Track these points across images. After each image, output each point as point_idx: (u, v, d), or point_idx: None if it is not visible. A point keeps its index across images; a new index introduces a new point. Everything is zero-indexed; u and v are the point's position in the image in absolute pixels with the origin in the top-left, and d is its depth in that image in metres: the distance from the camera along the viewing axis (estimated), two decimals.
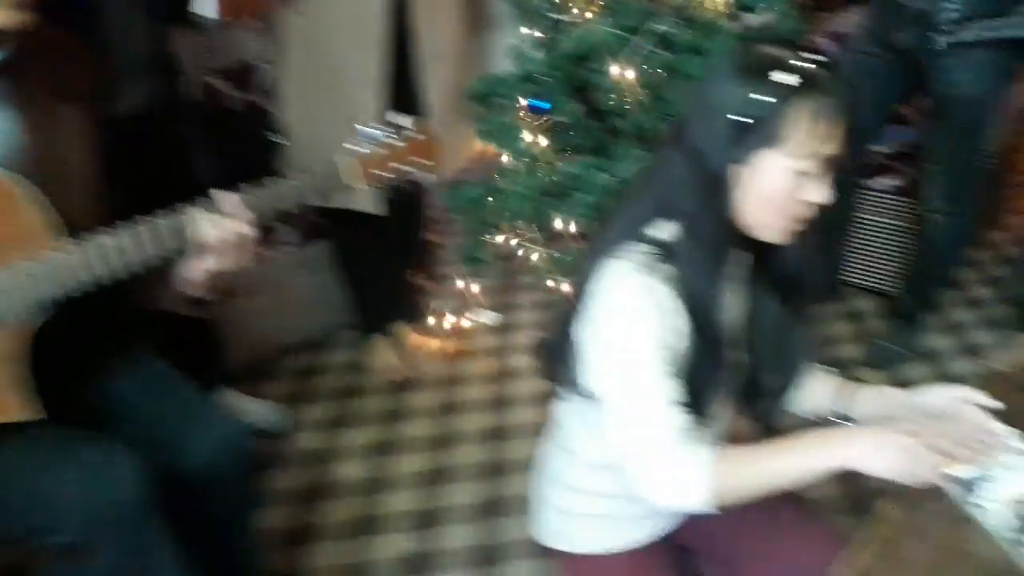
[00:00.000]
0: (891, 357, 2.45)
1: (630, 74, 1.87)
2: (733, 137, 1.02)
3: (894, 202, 2.65)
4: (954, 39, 1.93)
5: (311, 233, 2.52)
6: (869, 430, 1.02)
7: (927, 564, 1.00)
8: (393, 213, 2.35)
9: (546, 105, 1.94)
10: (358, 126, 1.39)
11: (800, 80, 1.00)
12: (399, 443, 2.24)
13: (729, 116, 1.02)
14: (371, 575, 1.85)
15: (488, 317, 2.70)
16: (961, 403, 1.11)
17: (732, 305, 1.15)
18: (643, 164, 1.94)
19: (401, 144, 1.39)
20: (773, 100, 1.00)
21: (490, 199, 2.05)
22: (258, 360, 2.52)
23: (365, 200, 2.06)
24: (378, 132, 1.38)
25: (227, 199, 1.25)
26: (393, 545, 1.92)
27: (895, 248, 2.68)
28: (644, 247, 1.08)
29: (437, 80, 2.14)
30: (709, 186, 1.05)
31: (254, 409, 2.30)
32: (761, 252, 1.14)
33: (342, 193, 1.41)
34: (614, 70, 1.90)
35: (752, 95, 1.01)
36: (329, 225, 2.38)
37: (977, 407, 1.10)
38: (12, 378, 1.18)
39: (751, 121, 1.01)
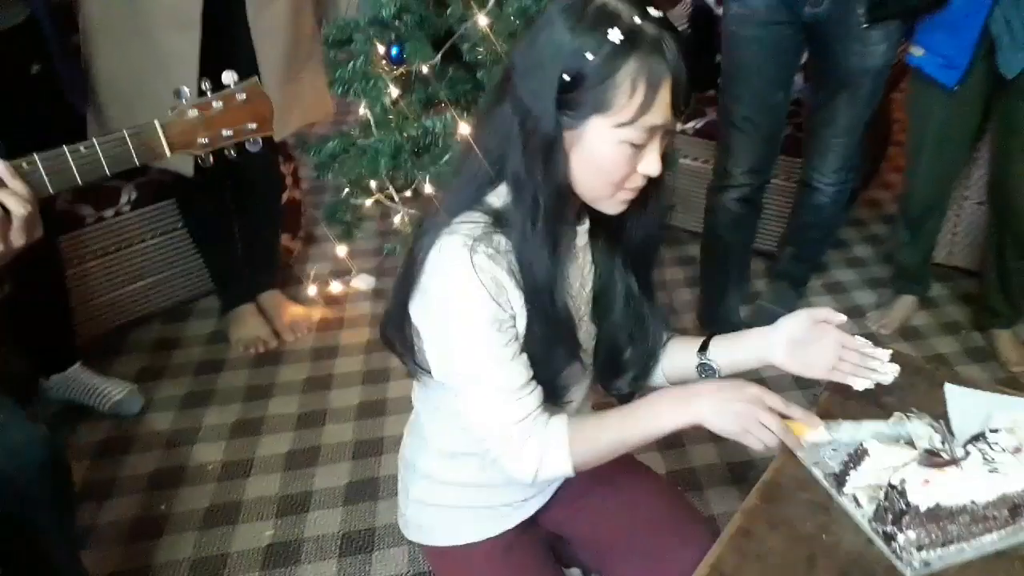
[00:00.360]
0: (774, 318, 2.43)
1: (484, 21, 1.74)
2: (561, 97, 0.91)
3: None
4: (880, 13, 1.88)
5: (156, 192, 2.29)
6: (714, 386, 1.00)
7: (785, 556, 0.94)
8: (247, 172, 2.18)
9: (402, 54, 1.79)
10: (181, 87, 1.21)
11: (635, 40, 0.89)
12: (263, 422, 2.07)
13: (558, 72, 0.90)
14: (228, 568, 1.70)
15: (361, 282, 2.55)
16: (818, 325, 1.08)
17: (578, 276, 1.07)
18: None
19: (228, 108, 1.22)
20: (603, 59, 0.89)
21: (350, 156, 1.90)
22: (107, 332, 2.31)
23: (178, 161, 1.88)
24: (200, 94, 1.21)
25: None
26: (253, 534, 1.76)
27: (776, 209, 2.66)
28: (478, 215, 0.98)
29: (270, 23, 1.95)
30: (537, 148, 0.94)
31: (103, 387, 2.09)
32: (604, 221, 1.04)
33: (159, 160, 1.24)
34: (480, 19, 1.77)
35: (582, 51, 0.90)
36: (173, 183, 2.17)
37: (834, 325, 1.07)
38: None
39: (579, 80, 0.90)
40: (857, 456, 1.02)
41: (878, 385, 1.09)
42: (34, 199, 1.09)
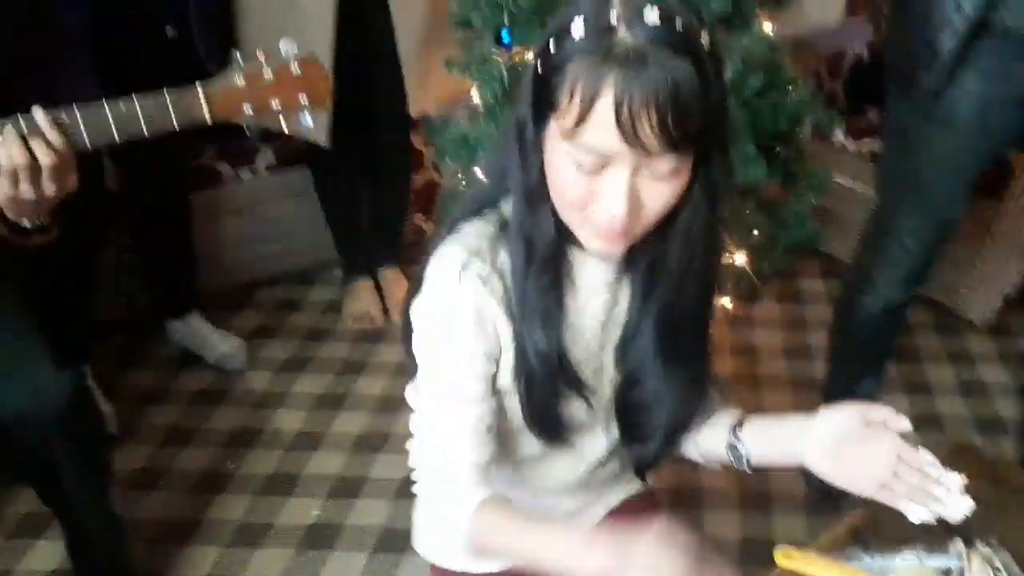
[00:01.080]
0: None
1: None
2: (534, 91, 0.80)
3: None
4: None
5: (291, 158, 2.36)
6: (651, 550, 0.74)
7: None
8: (380, 145, 2.19)
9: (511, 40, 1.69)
10: (235, 51, 1.19)
11: (600, 42, 0.75)
12: (345, 399, 2.09)
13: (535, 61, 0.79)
14: (269, 539, 1.73)
15: None
16: (871, 427, 0.88)
17: (597, 313, 0.95)
18: None
19: (280, 79, 1.19)
20: (560, 49, 0.77)
21: (455, 143, 1.83)
22: (234, 288, 2.42)
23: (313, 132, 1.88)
24: (253, 64, 1.18)
25: (37, 113, 1.08)
26: (300, 511, 1.78)
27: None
28: (491, 222, 0.90)
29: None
30: (522, 162, 0.84)
31: (213, 339, 2.20)
32: (639, 265, 0.92)
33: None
34: None
35: (549, 36, 0.78)
36: (309, 150, 2.21)
37: (895, 433, 0.87)
38: None
39: (543, 69, 0.78)
40: None
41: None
42: (68, 150, 1.10)
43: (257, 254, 2.41)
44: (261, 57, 1.17)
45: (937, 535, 0.91)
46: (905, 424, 0.88)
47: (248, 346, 2.22)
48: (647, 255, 0.91)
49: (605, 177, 0.79)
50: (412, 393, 0.97)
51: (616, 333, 0.98)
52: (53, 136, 1.08)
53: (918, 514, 0.86)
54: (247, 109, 1.17)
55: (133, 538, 1.68)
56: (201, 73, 1.56)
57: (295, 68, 1.18)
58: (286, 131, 1.24)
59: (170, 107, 1.14)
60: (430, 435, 0.91)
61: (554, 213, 0.85)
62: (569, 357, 0.94)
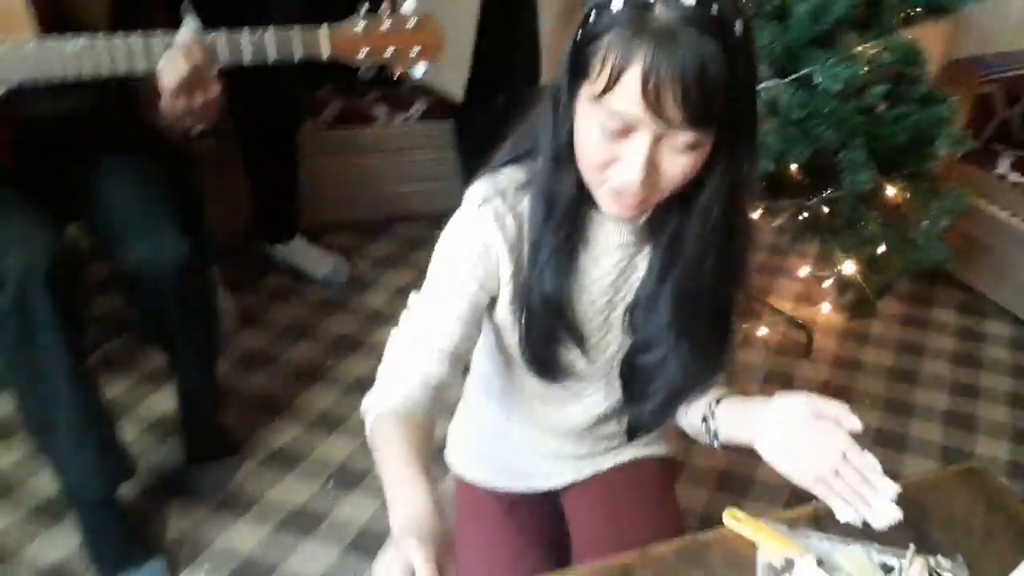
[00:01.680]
0: None
1: None
2: (572, 59, 0.86)
3: None
4: None
5: (441, 111, 2.55)
6: (416, 511, 0.77)
7: None
8: (511, 110, 2.32)
9: None
10: (363, 2, 1.38)
11: (635, 14, 0.80)
12: None
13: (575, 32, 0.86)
14: (341, 428, 1.93)
15: None
16: (823, 421, 0.91)
17: (606, 272, 1.01)
18: None
19: (396, 29, 1.36)
20: (598, 20, 0.82)
21: None
22: (374, 218, 2.66)
23: (447, 80, 2.04)
24: (377, 13, 1.36)
25: (182, 33, 1.32)
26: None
27: None
28: (524, 170, 0.98)
29: None
30: (553, 123, 0.90)
31: (316, 257, 2.45)
32: (664, 239, 0.97)
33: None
34: None
35: (590, 8, 0.84)
36: (452, 106, 2.39)
37: (846, 432, 0.89)
38: None
39: (581, 39, 0.84)
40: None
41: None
42: (207, 65, 1.34)
43: (398, 192, 2.64)
44: (385, 10, 1.35)
45: (901, 540, 0.92)
46: (855, 424, 0.90)
47: (374, 269, 2.45)
48: (668, 228, 0.95)
49: (627, 143, 0.84)
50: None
51: (628, 297, 1.03)
52: (197, 52, 1.30)
53: (846, 514, 0.89)
54: (362, 52, 1.37)
55: (231, 406, 1.97)
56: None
57: (412, 23, 1.35)
58: (395, 75, 1.42)
59: (298, 39, 1.35)
60: (403, 330, 0.99)
61: (577, 173, 0.91)
62: (573, 307, 1.01)
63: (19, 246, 1.34)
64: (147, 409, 1.97)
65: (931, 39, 2.49)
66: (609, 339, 1.05)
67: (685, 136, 0.83)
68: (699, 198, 0.91)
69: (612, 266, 1.01)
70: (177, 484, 1.79)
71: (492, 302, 1.01)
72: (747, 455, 0.98)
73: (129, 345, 2.14)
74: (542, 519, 1.20)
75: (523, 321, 1.00)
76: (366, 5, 1.37)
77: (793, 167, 1.93)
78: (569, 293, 1.00)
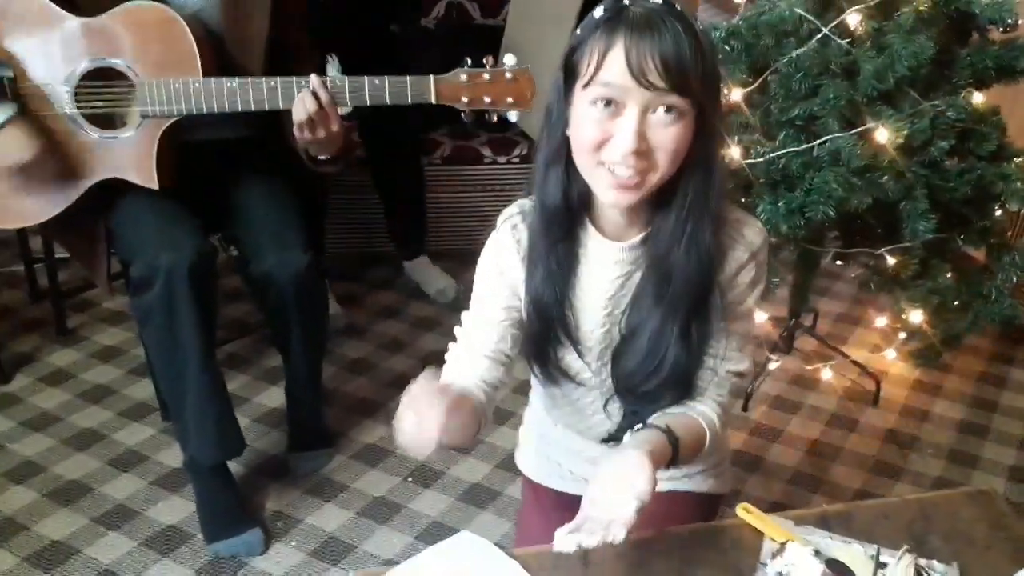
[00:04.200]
0: None
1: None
2: (564, 74, 0.99)
3: None
4: None
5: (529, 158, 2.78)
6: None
7: None
8: None
9: None
10: (466, 58, 1.61)
11: (615, 16, 0.94)
12: None
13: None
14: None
15: None
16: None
17: (601, 285, 1.10)
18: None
19: (494, 81, 1.58)
20: (585, 30, 0.97)
21: None
22: (474, 248, 2.86)
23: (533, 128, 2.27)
24: (478, 67, 1.59)
25: (313, 78, 1.59)
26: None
27: None
28: (531, 199, 1.09)
29: None
30: (548, 132, 1.03)
31: (433, 276, 2.69)
32: (655, 259, 1.06)
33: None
34: (795, 53, 1.83)
35: (579, 27, 0.99)
36: None
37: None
38: (145, 157, 1.66)
39: (569, 52, 0.98)
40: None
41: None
42: (331, 106, 1.61)
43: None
44: (487, 64, 1.58)
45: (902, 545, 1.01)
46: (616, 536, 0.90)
47: (468, 293, 2.66)
48: (659, 246, 1.04)
49: (617, 120, 0.95)
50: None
51: (609, 301, 1.11)
52: (323, 94, 1.58)
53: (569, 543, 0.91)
54: (464, 98, 1.60)
55: (332, 405, 2.21)
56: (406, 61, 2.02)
57: (508, 75, 1.58)
58: (493, 120, 1.64)
59: (408, 88, 1.60)
60: (457, 341, 1.14)
61: (565, 182, 1.02)
62: (574, 313, 1.11)
63: (171, 247, 1.63)
64: (260, 402, 2.24)
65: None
66: (607, 344, 1.13)
67: (668, 99, 0.93)
68: (678, 186, 1.01)
69: (610, 281, 1.10)
70: (278, 468, 2.03)
71: None
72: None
73: (251, 346, 2.43)
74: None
75: (525, 320, 1.11)
76: (468, 60, 1.60)
77: (868, 217, 2.03)
78: (567, 299, 1.09)
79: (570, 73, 0.99)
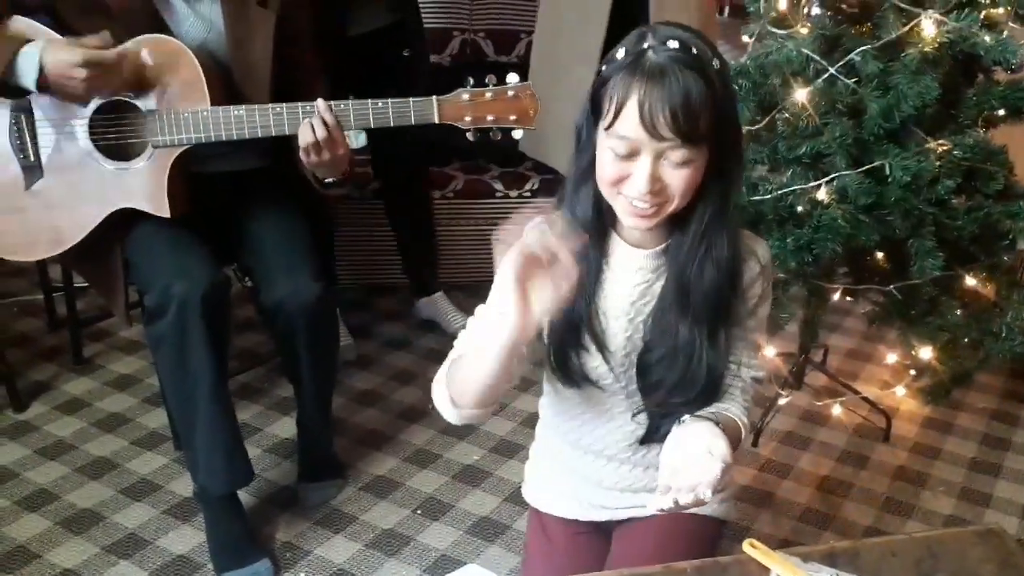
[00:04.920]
0: None
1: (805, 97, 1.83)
2: (591, 106, 1.08)
3: None
4: None
5: (549, 187, 2.80)
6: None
7: None
8: None
9: None
10: (467, 78, 1.64)
11: (634, 62, 1.01)
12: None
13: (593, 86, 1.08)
14: (432, 465, 2.14)
15: None
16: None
17: (625, 292, 1.16)
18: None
19: (496, 99, 1.61)
20: (608, 71, 1.04)
21: None
22: (486, 280, 2.89)
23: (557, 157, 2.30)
24: (481, 87, 1.62)
25: (319, 103, 1.62)
26: (465, 452, 2.19)
27: None
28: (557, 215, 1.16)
29: None
30: (577, 154, 1.11)
31: (452, 315, 2.69)
32: (676, 267, 1.13)
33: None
34: (800, 93, 1.86)
35: (603, 65, 1.07)
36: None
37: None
38: (157, 186, 1.69)
39: (595, 89, 1.06)
40: None
41: None
42: (336, 129, 1.64)
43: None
44: (490, 82, 1.61)
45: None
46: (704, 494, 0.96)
47: None
48: (680, 254, 1.12)
49: (634, 163, 1.04)
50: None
51: (633, 309, 1.17)
52: (328, 116, 1.62)
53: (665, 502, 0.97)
54: (467, 117, 1.63)
55: (342, 436, 2.22)
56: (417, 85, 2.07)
57: (511, 93, 1.61)
58: (498, 138, 1.67)
59: (411, 109, 1.63)
60: (467, 331, 1.17)
61: (594, 196, 1.11)
62: (599, 317, 1.17)
63: (184, 277, 1.65)
64: (271, 432, 2.25)
65: None
66: (629, 350, 1.19)
67: (680, 152, 1.02)
68: (696, 208, 1.09)
69: (633, 287, 1.17)
70: (288, 498, 2.04)
71: None
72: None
73: (263, 376, 2.45)
74: (600, 551, 1.31)
75: (549, 323, 1.14)
76: (471, 80, 1.63)
77: (879, 255, 2.05)
78: (592, 305, 1.16)
79: (596, 107, 1.07)
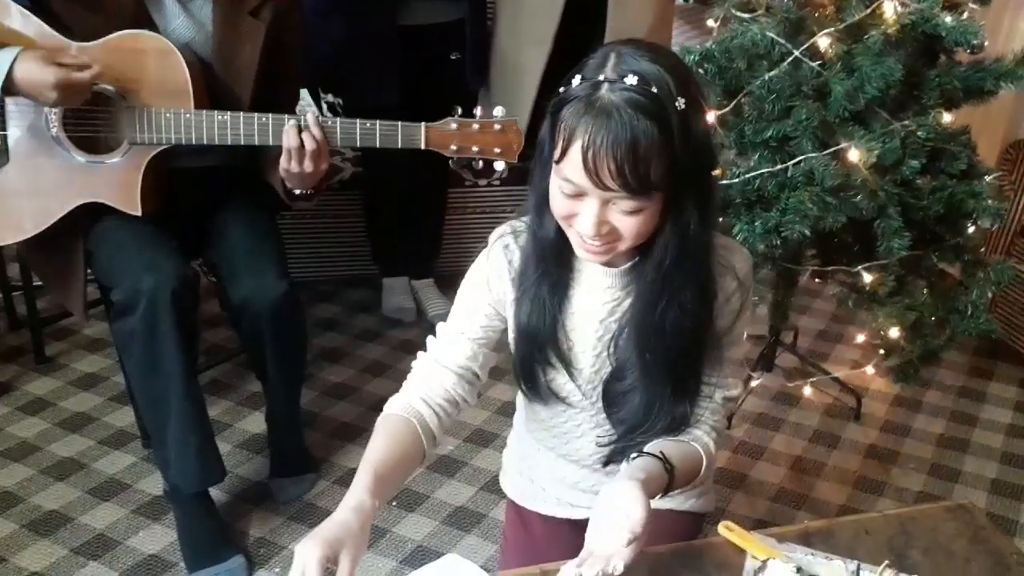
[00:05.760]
0: None
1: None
2: (548, 127, 0.99)
3: None
4: None
5: (518, 178, 2.76)
6: (337, 517, 0.97)
7: None
8: None
9: None
10: (455, 107, 1.63)
11: (589, 93, 0.92)
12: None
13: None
14: None
15: None
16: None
17: (593, 310, 1.11)
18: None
19: (482, 131, 1.60)
20: (564, 96, 0.95)
21: None
22: (456, 271, 2.86)
23: None
24: (468, 117, 1.62)
25: (309, 115, 1.60)
26: (444, 446, 2.19)
27: None
28: (524, 221, 1.11)
29: None
30: (539, 174, 1.02)
31: (435, 303, 2.69)
32: (641, 299, 1.06)
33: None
34: (767, 75, 1.87)
35: (561, 88, 0.97)
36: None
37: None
38: (130, 184, 1.66)
39: (553, 109, 0.98)
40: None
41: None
42: (323, 143, 1.63)
43: (480, 247, 2.86)
44: (477, 113, 1.60)
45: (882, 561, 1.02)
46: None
47: None
48: (645, 275, 1.04)
49: (581, 203, 0.97)
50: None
51: (600, 327, 1.12)
52: (316, 131, 1.60)
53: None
54: (453, 146, 1.62)
55: (314, 430, 2.20)
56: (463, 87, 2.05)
57: (497, 127, 1.60)
58: (479, 167, 1.66)
59: (399, 133, 1.62)
60: (427, 351, 1.16)
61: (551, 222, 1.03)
62: (567, 334, 1.12)
63: (153, 271, 1.62)
64: (242, 428, 2.23)
65: (996, 119, 2.60)
66: (598, 367, 1.14)
67: (627, 202, 0.94)
68: (653, 247, 1.01)
69: (601, 304, 1.11)
70: (261, 494, 2.01)
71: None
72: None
73: (232, 372, 2.42)
74: (578, 543, 1.31)
75: (514, 339, 1.13)
76: (459, 109, 1.63)
77: (845, 236, 2.06)
78: (559, 322, 1.11)
79: (550, 133, 0.98)
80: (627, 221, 0.97)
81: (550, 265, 1.08)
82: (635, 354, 1.08)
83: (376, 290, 2.82)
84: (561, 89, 0.98)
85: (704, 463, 1.11)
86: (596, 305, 1.11)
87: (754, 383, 2.33)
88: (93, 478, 2.03)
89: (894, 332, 2.10)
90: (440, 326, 1.17)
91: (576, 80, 0.96)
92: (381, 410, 1.13)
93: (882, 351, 2.31)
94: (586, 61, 0.98)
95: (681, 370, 1.09)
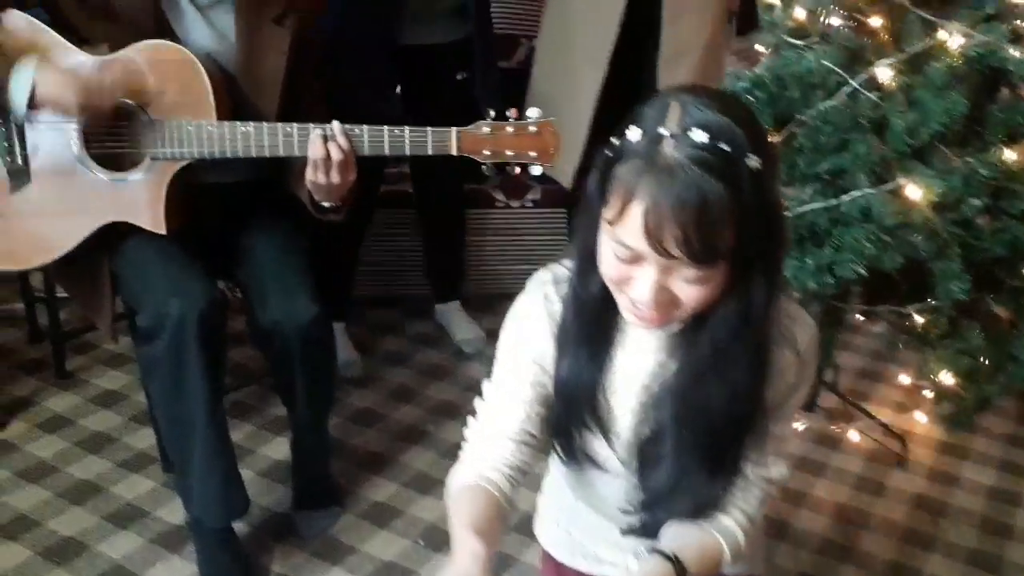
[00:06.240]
0: None
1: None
2: (602, 174, 0.90)
3: None
4: None
5: (557, 199, 2.73)
6: (460, 569, 0.89)
7: None
8: None
9: None
10: (488, 110, 1.56)
11: (647, 148, 0.84)
12: None
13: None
14: (432, 489, 2.02)
15: None
16: None
17: (636, 374, 1.03)
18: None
19: (517, 134, 1.54)
20: (619, 148, 0.87)
21: None
22: (492, 294, 2.81)
23: (558, 172, 2.21)
24: (500, 120, 1.55)
25: (335, 124, 1.54)
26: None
27: None
28: (567, 267, 1.03)
29: (679, 78, 2.16)
30: (586, 226, 0.93)
31: (460, 328, 2.62)
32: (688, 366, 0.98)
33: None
34: (821, 105, 1.79)
35: (614, 139, 0.89)
36: (568, 195, 2.55)
37: None
38: (154, 201, 1.60)
39: (606, 161, 0.89)
40: None
41: None
42: (351, 153, 1.56)
43: (511, 270, 2.80)
44: (510, 116, 1.54)
45: None
46: None
47: (485, 343, 2.59)
48: (697, 343, 0.96)
49: (638, 268, 0.88)
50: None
51: (639, 391, 1.04)
52: (342, 141, 1.53)
53: None
54: (486, 151, 1.55)
55: (339, 459, 2.12)
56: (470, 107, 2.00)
57: (532, 128, 1.53)
58: (515, 172, 1.59)
59: (429, 139, 1.55)
60: (478, 417, 1.09)
61: (602, 278, 0.94)
62: (606, 397, 1.04)
63: (179, 295, 1.56)
64: (265, 454, 2.16)
65: None
66: (638, 433, 1.05)
67: (690, 271, 0.86)
68: (709, 318, 0.93)
69: (645, 368, 1.02)
70: (284, 527, 1.94)
71: None
72: None
73: (256, 394, 2.35)
74: None
75: (553, 396, 1.05)
76: (492, 112, 1.56)
77: (893, 274, 1.98)
78: (599, 384, 1.03)
79: (602, 187, 0.89)
80: (688, 290, 0.89)
81: (593, 328, 1.01)
82: (672, 426, 1.00)
83: (400, 311, 2.76)
84: (615, 140, 0.89)
85: (727, 555, 1.04)
86: (640, 369, 1.03)
87: (801, 427, 2.24)
88: (111, 503, 1.96)
89: (945, 376, 2.01)
90: (486, 386, 1.10)
91: (632, 132, 0.87)
92: (407, 439, 1.05)
93: (930, 394, 2.22)
94: (642, 110, 0.89)
95: (718, 451, 1.00)
